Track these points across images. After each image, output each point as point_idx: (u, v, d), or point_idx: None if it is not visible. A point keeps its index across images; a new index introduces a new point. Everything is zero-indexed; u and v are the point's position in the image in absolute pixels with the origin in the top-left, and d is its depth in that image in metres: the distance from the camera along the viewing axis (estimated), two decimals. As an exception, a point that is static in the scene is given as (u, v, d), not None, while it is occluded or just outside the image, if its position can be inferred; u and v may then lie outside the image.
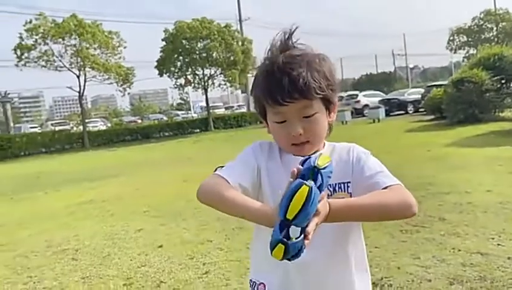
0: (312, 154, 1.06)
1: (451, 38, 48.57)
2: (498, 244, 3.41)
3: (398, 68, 68.14)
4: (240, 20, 35.40)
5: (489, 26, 46.86)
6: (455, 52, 49.24)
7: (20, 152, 22.63)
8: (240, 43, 26.83)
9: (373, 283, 2.80)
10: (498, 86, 14.06)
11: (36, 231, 5.59)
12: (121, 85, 25.67)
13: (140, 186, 8.38)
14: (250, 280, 1.20)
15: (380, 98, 25.59)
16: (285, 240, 0.82)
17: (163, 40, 26.14)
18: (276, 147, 1.16)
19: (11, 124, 36.17)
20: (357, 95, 27.74)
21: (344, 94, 29.06)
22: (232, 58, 26.06)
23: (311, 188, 0.82)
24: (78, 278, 3.69)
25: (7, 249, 4.88)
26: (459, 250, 3.37)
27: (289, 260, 0.85)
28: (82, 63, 23.64)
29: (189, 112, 48.71)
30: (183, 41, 25.58)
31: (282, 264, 0.94)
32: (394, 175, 1.09)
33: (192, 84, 27.84)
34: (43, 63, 23.50)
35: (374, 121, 19.68)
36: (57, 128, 30.27)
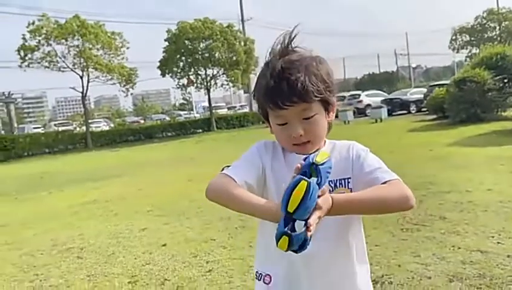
0: (314, 152, 1.13)
1: (454, 37, 48.45)
2: (498, 243, 3.44)
3: (401, 68, 68.00)
4: (242, 20, 35.48)
5: (492, 25, 46.73)
6: (458, 52, 49.15)
7: (24, 152, 22.76)
8: (242, 43, 26.90)
9: (374, 280, 2.85)
10: (501, 85, 14.04)
11: (40, 230, 5.66)
12: (124, 85, 25.81)
13: (143, 186, 8.44)
14: (256, 271, 1.25)
15: (382, 98, 25.58)
16: (289, 232, 0.88)
17: (165, 40, 26.24)
18: (279, 147, 1.22)
19: (15, 125, 36.38)
20: (359, 95, 27.71)
21: (346, 94, 29.06)
22: (234, 58, 26.13)
23: (310, 183, 0.88)
24: (83, 276, 3.76)
25: (13, 247, 4.95)
26: (459, 248, 3.41)
27: (296, 252, 0.90)
28: (85, 64, 23.78)
29: (192, 112, 48.82)
30: (186, 41, 25.69)
31: (287, 256, 1.00)
32: (396, 174, 1.14)
33: (195, 85, 27.94)
34: (47, 64, 23.66)
35: (376, 121, 19.68)
36: (60, 129, 30.39)
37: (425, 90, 23.73)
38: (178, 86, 28.22)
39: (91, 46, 23.85)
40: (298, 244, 0.89)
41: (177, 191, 7.30)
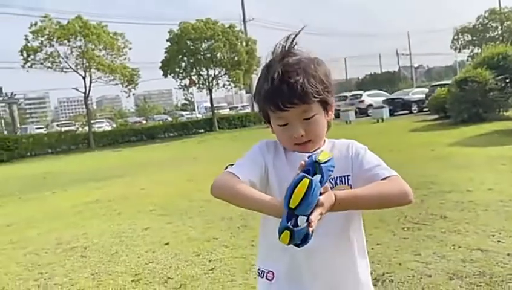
0: (315, 150, 1.20)
1: (456, 37, 48.38)
2: (498, 241, 3.47)
3: (402, 68, 67.82)
4: (244, 21, 35.51)
5: (494, 25, 46.62)
6: (460, 52, 49.06)
7: (27, 153, 22.84)
8: (244, 44, 26.92)
9: (375, 278, 2.89)
10: (503, 85, 14.02)
11: (44, 229, 5.71)
12: (127, 86, 25.87)
13: (146, 186, 8.48)
14: (258, 269, 1.28)
15: (384, 98, 25.58)
16: (291, 227, 0.92)
17: (167, 40, 26.29)
18: (280, 146, 1.26)
19: (18, 125, 36.52)
20: (361, 95, 27.73)
21: (348, 94, 29.08)
22: (236, 58, 26.16)
23: (312, 180, 0.92)
24: (88, 274, 3.80)
25: (18, 246, 4.99)
26: (459, 247, 3.44)
27: (298, 246, 0.95)
28: (87, 65, 23.83)
29: (194, 112, 48.83)
30: (188, 42, 25.73)
31: (290, 251, 1.05)
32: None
33: (197, 85, 27.98)
34: (49, 65, 23.73)
35: (378, 121, 19.69)
36: (62, 129, 30.46)
37: (426, 90, 23.70)
38: (180, 86, 28.31)
39: (93, 46, 23.91)
40: (300, 238, 0.93)
41: (179, 191, 7.35)
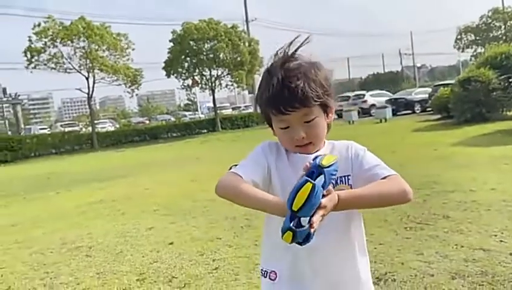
0: (316, 151, 1.23)
1: (459, 36, 48.20)
2: (501, 241, 3.48)
3: (405, 67, 67.72)
4: (247, 21, 35.54)
5: (497, 24, 46.44)
6: (463, 51, 48.86)
7: (31, 153, 22.93)
8: (247, 44, 26.95)
9: (377, 278, 2.90)
10: (506, 84, 14.00)
11: (49, 229, 5.75)
12: (130, 86, 25.94)
13: (149, 186, 8.52)
14: (261, 269, 1.32)
15: (387, 98, 25.55)
16: (293, 227, 0.96)
17: (170, 41, 26.33)
18: (282, 147, 1.29)
19: (22, 126, 36.69)
20: (364, 95, 27.71)
21: (350, 94, 29.09)
22: (239, 58, 26.19)
23: (315, 185, 0.95)
24: (93, 273, 3.84)
25: (23, 246, 5.04)
26: (462, 246, 3.46)
27: (300, 244, 0.99)
28: (90, 65, 23.92)
29: (196, 112, 48.97)
30: (191, 42, 25.76)
31: (292, 250, 1.08)
32: (400, 174, 1.20)
33: (200, 85, 28.05)
34: (53, 65, 23.82)
35: (381, 121, 19.68)
36: (66, 130, 30.58)
37: (429, 90, 23.67)
38: (183, 86, 28.38)
39: (96, 47, 24.00)
40: (302, 238, 0.97)
41: (183, 191, 7.38)
